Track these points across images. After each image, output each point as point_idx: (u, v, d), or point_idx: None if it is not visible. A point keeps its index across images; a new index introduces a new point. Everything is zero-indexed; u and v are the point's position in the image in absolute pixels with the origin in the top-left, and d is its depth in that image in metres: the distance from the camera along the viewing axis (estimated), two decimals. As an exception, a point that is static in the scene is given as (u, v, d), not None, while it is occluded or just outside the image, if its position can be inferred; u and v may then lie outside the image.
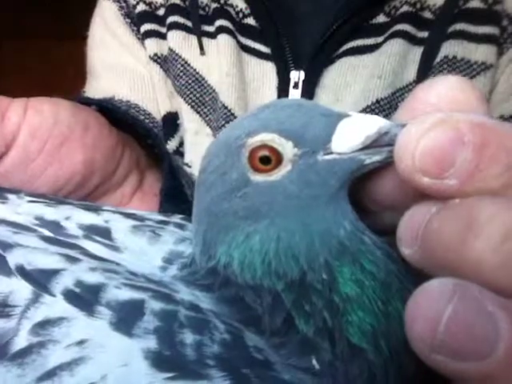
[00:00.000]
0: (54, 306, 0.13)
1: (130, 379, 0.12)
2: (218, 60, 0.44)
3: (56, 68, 2.75)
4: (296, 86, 0.41)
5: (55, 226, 0.17)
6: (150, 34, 0.46)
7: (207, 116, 0.45)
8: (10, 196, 0.19)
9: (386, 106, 0.41)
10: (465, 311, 0.12)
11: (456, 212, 0.14)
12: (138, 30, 0.47)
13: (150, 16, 0.47)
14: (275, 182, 0.17)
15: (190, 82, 0.45)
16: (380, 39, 0.43)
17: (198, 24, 0.44)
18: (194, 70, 0.45)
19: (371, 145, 0.16)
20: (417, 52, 0.42)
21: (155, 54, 0.46)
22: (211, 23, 0.45)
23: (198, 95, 0.45)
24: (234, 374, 0.13)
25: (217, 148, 0.19)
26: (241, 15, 0.45)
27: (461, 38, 0.41)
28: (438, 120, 0.14)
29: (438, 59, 0.42)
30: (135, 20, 0.47)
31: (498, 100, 0.42)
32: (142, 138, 0.31)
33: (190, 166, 0.43)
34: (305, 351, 0.15)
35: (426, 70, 0.41)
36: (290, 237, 0.17)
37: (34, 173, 0.22)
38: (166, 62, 0.46)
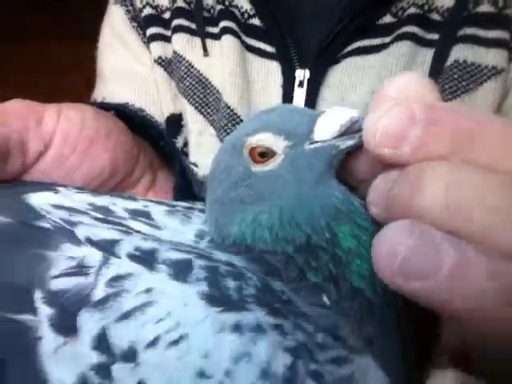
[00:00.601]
0: (122, 265, 0.17)
1: (190, 314, 0.16)
2: (221, 60, 0.45)
3: (56, 68, 2.75)
4: (301, 84, 0.42)
5: (105, 210, 0.21)
6: (155, 37, 0.47)
7: (211, 116, 0.46)
8: (60, 188, 0.23)
9: None
10: (416, 243, 0.16)
11: (407, 176, 0.17)
12: (144, 34, 0.49)
13: (155, 19, 0.48)
14: (273, 170, 0.21)
15: (193, 83, 0.46)
16: (387, 39, 0.43)
17: (202, 25, 0.45)
18: (198, 71, 0.46)
19: (346, 132, 0.20)
20: (426, 54, 0.42)
21: (159, 57, 0.47)
22: (216, 24, 0.46)
23: (201, 96, 0.45)
24: (267, 307, 0.18)
25: (225, 149, 0.23)
26: (246, 16, 0.45)
27: (471, 43, 0.41)
28: (394, 104, 0.17)
29: (448, 63, 0.41)
30: (141, 24, 0.48)
31: (510, 105, 0.42)
32: (153, 140, 0.33)
33: (196, 166, 0.45)
34: (317, 292, 0.20)
35: (436, 73, 0.41)
36: (291, 210, 0.21)
37: (69, 169, 0.25)
38: (170, 65, 0.47)
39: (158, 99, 0.47)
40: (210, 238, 0.22)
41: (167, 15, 0.48)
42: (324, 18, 0.43)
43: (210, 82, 0.46)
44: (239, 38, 0.45)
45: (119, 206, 0.21)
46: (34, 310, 0.16)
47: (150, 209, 0.21)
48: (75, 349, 0.15)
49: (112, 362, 0.15)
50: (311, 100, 0.41)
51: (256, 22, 0.45)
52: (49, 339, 0.15)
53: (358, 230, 0.20)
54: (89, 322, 0.16)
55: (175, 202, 0.25)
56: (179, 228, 0.21)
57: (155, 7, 0.48)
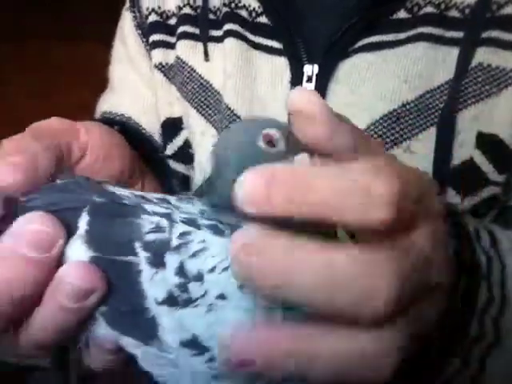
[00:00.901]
0: (180, 226, 0.26)
1: (227, 251, 0.22)
2: (222, 63, 0.46)
3: (56, 68, 2.76)
4: (310, 80, 0.42)
5: (143, 196, 0.29)
6: (157, 44, 0.49)
7: (212, 117, 0.46)
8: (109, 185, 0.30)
9: (413, 109, 0.40)
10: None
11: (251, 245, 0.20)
12: (147, 41, 0.50)
13: (160, 26, 0.49)
14: (278, 151, 0.27)
15: (195, 87, 0.47)
16: (401, 36, 0.41)
17: (206, 31, 0.46)
18: (199, 75, 0.47)
19: None
20: (449, 53, 0.40)
21: (160, 63, 0.49)
22: (220, 27, 0.46)
23: (202, 99, 0.47)
24: None
25: (236, 136, 0.29)
26: (254, 14, 0.45)
27: (495, 46, 0.39)
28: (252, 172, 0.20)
29: (472, 64, 0.39)
30: (145, 31, 0.50)
31: None
32: (137, 147, 0.39)
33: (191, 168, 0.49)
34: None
35: (462, 75, 0.39)
36: None
37: (93, 173, 0.31)
38: (171, 70, 0.49)
39: (151, 108, 0.51)
40: (210, 211, 0.29)
41: (173, 21, 0.49)
42: (333, 13, 0.42)
43: (211, 85, 0.47)
44: (244, 38, 0.45)
45: (148, 195, 0.29)
46: (135, 254, 0.25)
47: (166, 197, 0.29)
48: (164, 275, 0.25)
49: (188, 282, 0.25)
50: (320, 95, 0.41)
51: (263, 20, 0.45)
52: (146, 270, 0.25)
53: None
54: (171, 259, 0.25)
55: (177, 195, 0.32)
56: (189, 208, 0.29)
57: (161, 14, 0.49)
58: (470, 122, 0.39)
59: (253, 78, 0.45)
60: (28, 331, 0.26)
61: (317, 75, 0.42)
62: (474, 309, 0.29)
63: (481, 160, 0.39)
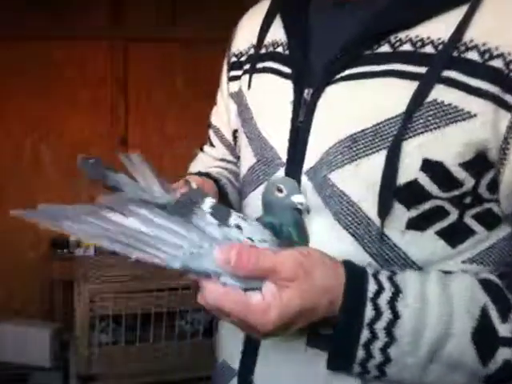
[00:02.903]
0: (233, 230, 0.42)
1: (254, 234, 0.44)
2: (261, 92, 0.57)
3: (56, 68, 2.76)
4: (304, 102, 0.51)
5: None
6: (233, 78, 0.64)
7: (246, 128, 0.59)
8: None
9: (369, 134, 0.45)
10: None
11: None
12: (228, 77, 0.66)
13: (235, 64, 0.64)
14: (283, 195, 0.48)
15: (242, 107, 0.60)
16: (377, 69, 0.46)
17: (254, 66, 0.58)
18: (246, 97, 0.60)
19: None
20: (410, 86, 0.44)
21: (231, 93, 0.65)
22: (265, 61, 0.57)
23: (243, 114, 0.60)
24: None
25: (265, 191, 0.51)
26: (275, 45, 0.57)
27: (451, 85, 0.43)
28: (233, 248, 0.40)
29: (428, 99, 0.43)
30: (228, 68, 0.66)
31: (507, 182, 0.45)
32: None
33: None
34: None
35: (414, 108, 0.44)
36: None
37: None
38: (238, 97, 0.62)
39: (228, 122, 0.67)
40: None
41: (244, 58, 0.63)
42: (334, 46, 0.49)
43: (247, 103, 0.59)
44: (273, 71, 0.55)
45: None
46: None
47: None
48: (224, 229, 0.42)
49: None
50: (310, 112, 0.50)
51: (280, 49, 0.56)
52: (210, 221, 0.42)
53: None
54: (232, 221, 0.43)
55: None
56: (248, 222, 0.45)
57: (237, 55, 0.64)
58: (416, 149, 0.44)
59: (265, 95, 0.56)
60: None
61: (310, 96, 0.50)
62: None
63: (425, 181, 0.44)
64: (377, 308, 0.41)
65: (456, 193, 0.45)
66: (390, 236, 0.46)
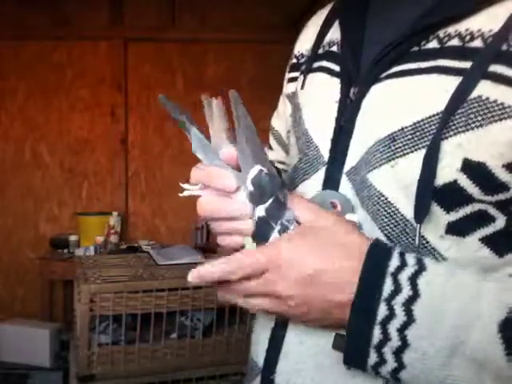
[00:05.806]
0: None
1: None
2: (311, 91, 0.57)
3: (56, 68, 2.76)
4: (350, 101, 0.50)
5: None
6: (291, 80, 0.64)
7: (295, 128, 0.59)
8: None
9: (408, 133, 0.44)
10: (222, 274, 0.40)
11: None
12: (287, 79, 0.65)
13: (295, 66, 0.64)
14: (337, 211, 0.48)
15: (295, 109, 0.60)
16: (422, 65, 0.45)
17: (310, 67, 0.58)
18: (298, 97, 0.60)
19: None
20: (453, 82, 0.42)
21: (288, 94, 0.64)
22: (319, 61, 0.57)
23: (294, 114, 0.60)
24: None
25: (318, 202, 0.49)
26: (330, 45, 0.57)
27: (498, 81, 0.41)
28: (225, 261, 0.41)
29: (471, 96, 0.41)
30: (288, 70, 0.65)
31: None
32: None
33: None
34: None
35: (457, 105, 0.41)
36: None
37: None
38: (294, 98, 0.62)
39: (285, 124, 0.67)
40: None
41: (303, 60, 0.62)
42: (382, 43, 0.48)
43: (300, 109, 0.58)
44: (326, 70, 0.55)
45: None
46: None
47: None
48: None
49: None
50: (355, 111, 0.49)
51: (334, 48, 0.56)
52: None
53: None
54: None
55: None
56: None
57: (297, 57, 0.64)
58: (456, 148, 0.42)
59: (314, 93, 0.56)
60: None
61: (355, 95, 0.50)
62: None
63: (465, 183, 0.42)
64: (396, 283, 0.39)
65: (501, 197, 0.42)
66: (429, 239, 0.43)
